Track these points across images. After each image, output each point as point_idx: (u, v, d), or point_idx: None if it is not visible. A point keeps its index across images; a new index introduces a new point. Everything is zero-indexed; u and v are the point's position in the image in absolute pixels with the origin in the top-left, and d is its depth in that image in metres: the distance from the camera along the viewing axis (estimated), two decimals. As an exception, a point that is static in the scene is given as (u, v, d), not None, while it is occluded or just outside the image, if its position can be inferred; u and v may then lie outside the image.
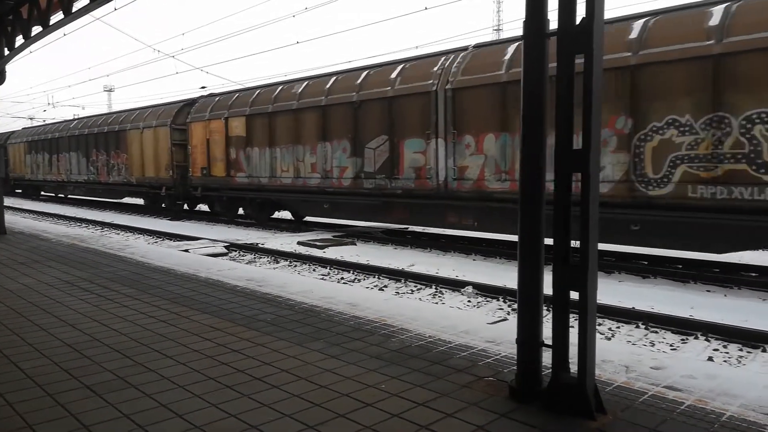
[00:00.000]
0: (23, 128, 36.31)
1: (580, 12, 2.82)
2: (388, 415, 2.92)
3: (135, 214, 22.68)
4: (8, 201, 27.93)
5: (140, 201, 24.00)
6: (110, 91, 63.51)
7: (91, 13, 8.55)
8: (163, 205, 21.12)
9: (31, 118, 51.10)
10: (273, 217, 17.85)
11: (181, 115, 19.57)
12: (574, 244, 2.91)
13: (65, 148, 26.83)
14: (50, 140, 28.56)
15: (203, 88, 27.67)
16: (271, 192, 15.94)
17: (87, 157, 24.71)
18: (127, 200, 25.83)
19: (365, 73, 13.57)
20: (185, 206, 20.42)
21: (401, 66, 12.84)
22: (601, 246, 10.12)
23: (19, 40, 10.24)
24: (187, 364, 3.70)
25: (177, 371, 3.56)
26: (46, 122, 32.88)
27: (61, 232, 11.85)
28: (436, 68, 11.89)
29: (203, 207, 20.88)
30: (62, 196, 31.02)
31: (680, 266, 9.90)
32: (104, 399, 3.15)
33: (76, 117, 28.98)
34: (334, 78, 14.29)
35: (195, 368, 3.62)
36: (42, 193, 33.11)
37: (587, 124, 2.82)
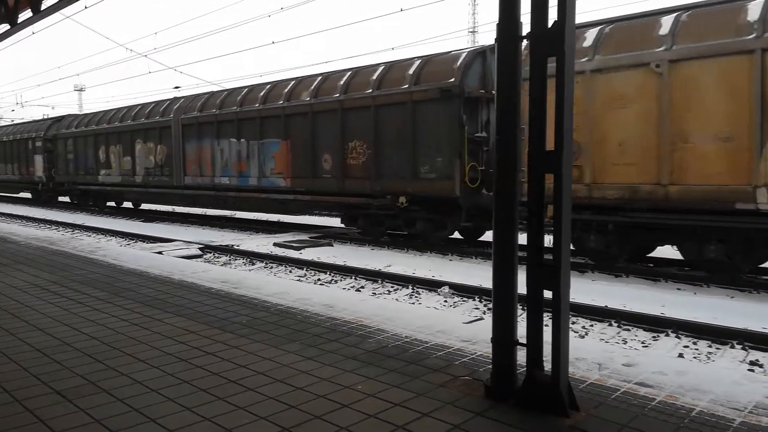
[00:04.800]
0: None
1: (552, 16, 2.86)
2: (364, 415, 2.92)
3: (107, 216, 22.27)
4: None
5: None
6: (81, 90, 62.35)
7: (61, 11, 8.38)
8: None
9: (-1, 118, 49.84)
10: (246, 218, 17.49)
11: None
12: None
13: None
14: None
15: (177, 88, 26.93)
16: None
17: None
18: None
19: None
20: None
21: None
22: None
23: (-14, 38, 10.02)
24: (160, 367, 3.65)
25: (150, 375, 3.51)
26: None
27: (30, 235, 11.59)
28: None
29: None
30: None
31: (652, 265, 10.08)
32: (75, 404, 3.09)
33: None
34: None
35: (168, 372, 3.57)
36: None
37: (560, 125, 2.86)
